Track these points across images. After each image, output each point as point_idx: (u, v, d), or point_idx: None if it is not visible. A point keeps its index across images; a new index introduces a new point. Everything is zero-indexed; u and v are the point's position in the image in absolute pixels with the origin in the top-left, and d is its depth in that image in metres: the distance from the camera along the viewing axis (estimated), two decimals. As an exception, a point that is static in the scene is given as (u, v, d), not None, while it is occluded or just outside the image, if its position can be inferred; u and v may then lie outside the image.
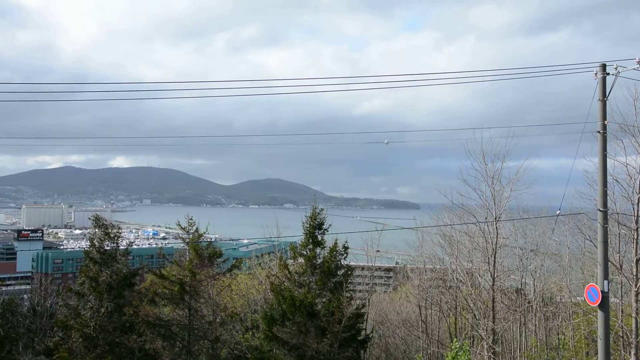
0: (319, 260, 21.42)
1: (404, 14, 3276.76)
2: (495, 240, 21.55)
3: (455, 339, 16.19)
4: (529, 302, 25.40)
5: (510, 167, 21.83)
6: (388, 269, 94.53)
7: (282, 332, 20.10)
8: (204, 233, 24.35)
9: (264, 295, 27.06)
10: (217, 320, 22.64)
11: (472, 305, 23.30)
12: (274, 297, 21.08)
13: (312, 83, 23.08)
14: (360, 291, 36.22)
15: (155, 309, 23.25)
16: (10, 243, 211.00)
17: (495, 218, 21.66)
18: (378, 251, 32.92)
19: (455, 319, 28.30)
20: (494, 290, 21.41)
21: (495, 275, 21.52)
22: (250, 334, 23.92)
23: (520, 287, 26.22)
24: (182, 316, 22.31)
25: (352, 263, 24.53)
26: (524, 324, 25.05)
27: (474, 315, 23.11)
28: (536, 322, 25.68)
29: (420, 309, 29.82)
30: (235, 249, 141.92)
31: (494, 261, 21.50)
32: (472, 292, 23.23)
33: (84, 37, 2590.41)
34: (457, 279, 25.49)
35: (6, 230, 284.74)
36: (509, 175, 21.77)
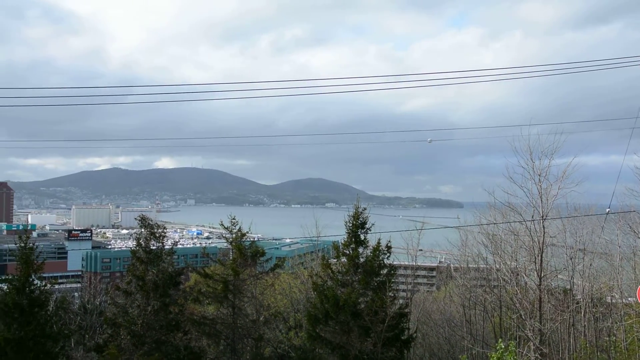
0: (362, 260, 21.36)
1: (450, 11, 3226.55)
2: (542, 239, 21.07)
3: (500, 339, 15.90)
4: (577, 303, 24.74)
5: (559, 164, 21.27)
6: (431, 268, 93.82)
7: (326, 332, 20.12)
8: (247, 232, 24.56)
9: (306, 295, 27.15)
10: (261, 319, 22.84)
11: (517, 305, 22.83)
12: (316, 297, 21.12)
13: (355, 82, 22.98)
14: (403, 290, 35.99)
15: (200, 307, 23.64)
16: (61, 243, 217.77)
17: (542, 216, 21.16)
18: (421, 250, 32.64)
19: (500, 319, 27.79)
20: (540, 290, 20.93)
21: (542, 275, 21.04)
22: (294, 332, 24.06)
23: (569, 287, 25.56)
24: (226, 315, 22.59)
25: (394, 262, 24.36)
26: (572, 324, 24.40)
27: (520, 316, 22.64)
28: (585, 323, 24.98)
29: (464, 309, 29.40)
30: (277, 248, 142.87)
31: (541, 260, 21.02)
32: (518, 291, 22.77)
33: (133, 41, 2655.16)
34: (502, 278, 25.03)
35: (57, 230, 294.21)
36: (557, 173, 21.24)
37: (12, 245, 22.18)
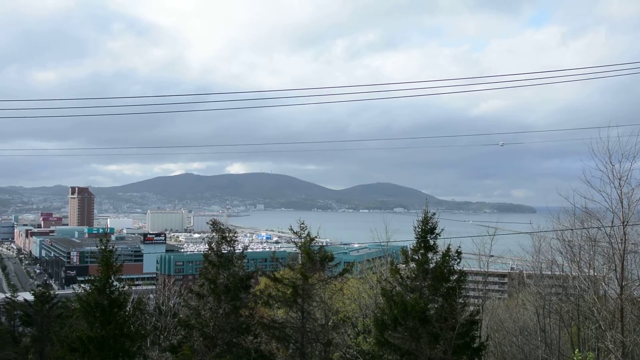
0: (431, 265, 21.05)
1: (528, 10, 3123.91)
2: (623, 245, 20.08)
3: (577, 350, 15.27)
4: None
5: (642, 167, 20.21)
6: (502, 275, 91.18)
7: (394, 338, 19.93)
8: (315, 237, 24.71)
9: (375, 300, 27.02)
10: (329, 323, 22.91)
11: (596, 315, 21.85)
12: (385, 302, 20.97)
13: (427, 85, 22.81)
14: (473, 297, 35.19)
15: (270, 311, 23.97)
16: (137, 246, 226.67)
17: (623, 222, 20.17)
18: (492, 256, 31.83)
19: (578, 328, 26.68)
20: (622, 299, 19.95)
21: (624, 284, 20.04)
22: (362, 338, 23.99)
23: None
24: (296, 319, 22.79)
25: (464, 268, 23.87)
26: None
27: (599, 326, 21.66)
28: (672, 336, 23.61)
29: (538, 317, 28.43)
30: (346, 253, 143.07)
31: (622, 268, 20.03)
32: (597, 301, 21.79)
33: (210, 50, 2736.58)
34: (579, 286, 24.04)
35: (134, 234, 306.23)
36: (639, 177, 20.21)
37: (94, 248, 23.22)
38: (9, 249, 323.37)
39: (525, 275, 34.77)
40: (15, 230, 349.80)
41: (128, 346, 19.05)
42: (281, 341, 22.33)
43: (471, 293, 34.33)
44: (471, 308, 23.08)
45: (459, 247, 21.48)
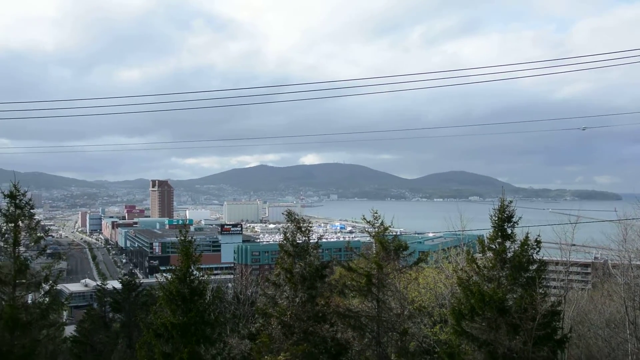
0: (509, 255, 20.54)
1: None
2: None
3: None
4: None
5: None
6: (585, 265, 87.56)
7: (472, 328, 19.62)
8: (389, 226, 24.61)
9: (451, 290, 26.67)
10: (405, 313, 22.82)
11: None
12: (461, 292, 20.67)
13: (507, 70, 22.07)
14: (554, 287, 34.03)
15: (345, 300, 24.12)
16: (215, 236, 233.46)
17: None
18: (573, 245, 30.63)
19: (671, 321, 25.31)
20: None
21: None
22: (439, 327, 23.75)
23: None
24: (371, 308, 22.85)
25: (544, 257, 23.11)
26: None
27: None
28: None
29: (626, 309, 27.15)
30: (420, 242, 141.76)
31: None
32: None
33: (287, 42, 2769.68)
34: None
35: (211, 225, 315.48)
36: None
37: (174, 239, 24.16)
38: (97, 240, 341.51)
39: (610, 265, 33.21)
40: (102, 222, 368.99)
41: (208, 333, 19.75)
42: (357, 330, 22.44)
43: (552, 283, 33.19)
44: (552, 299, 22.36)
45: (538, 235, 20.83)
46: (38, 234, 22.30)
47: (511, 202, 21.33)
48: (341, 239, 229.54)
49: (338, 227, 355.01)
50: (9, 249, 21.06)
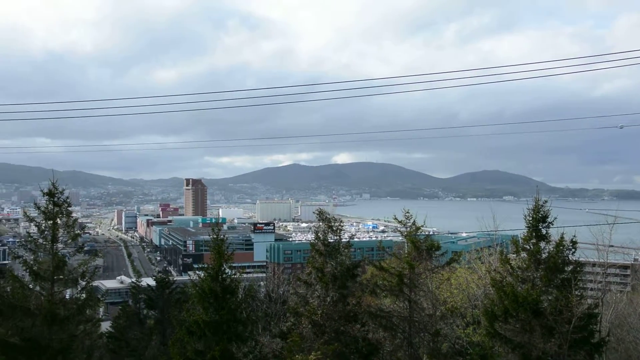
0: (544, 255, 20.19)
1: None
2: None
3: None
4: None
5: None
6: (624, 266, 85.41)
7: (505, 329, 19.36)
8: (422, 226, 24.42)
9: (484, 291, 26.32)
10: (437, 313, 22.62)
11: None
12: (495, 293, 20.40)
13: (543, 67, 21.70)
14: (591, 289, 33.30)
15: (376, 300, 24.03)
16: (248, 235, 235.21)
17: None
18: (611, 246, 29.91)
19: None
20: None
21: None
22: (471, 329, 23.47)
23: None
24: (402, 308, 22.70)
25: (580, 259, 22.64)
26: None
27: None
28: None
29: (667, 313, 26.43)
30: (453, 242, 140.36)
31: None
32: None
33: (320, 41, 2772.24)
34: None
35: (244, 224, 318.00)
36: None
37: (207, 237, 24.42)
38: (133, 237, 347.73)
39: (650, 266, 32.36)
40: (137, 220, 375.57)
41: (240, 331, 19.92)
42: (388, 330, 22.33)
43: (589, 285, 32.50)
44: (589, 301, 21.88)
45: (574, 236, 20.43)
46: (75, 232, 22.77)
47: (546, 201, 20.96)
48: (373, 238, 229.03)
49: (370, 227, 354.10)
50: (47, 246, 21.58)
